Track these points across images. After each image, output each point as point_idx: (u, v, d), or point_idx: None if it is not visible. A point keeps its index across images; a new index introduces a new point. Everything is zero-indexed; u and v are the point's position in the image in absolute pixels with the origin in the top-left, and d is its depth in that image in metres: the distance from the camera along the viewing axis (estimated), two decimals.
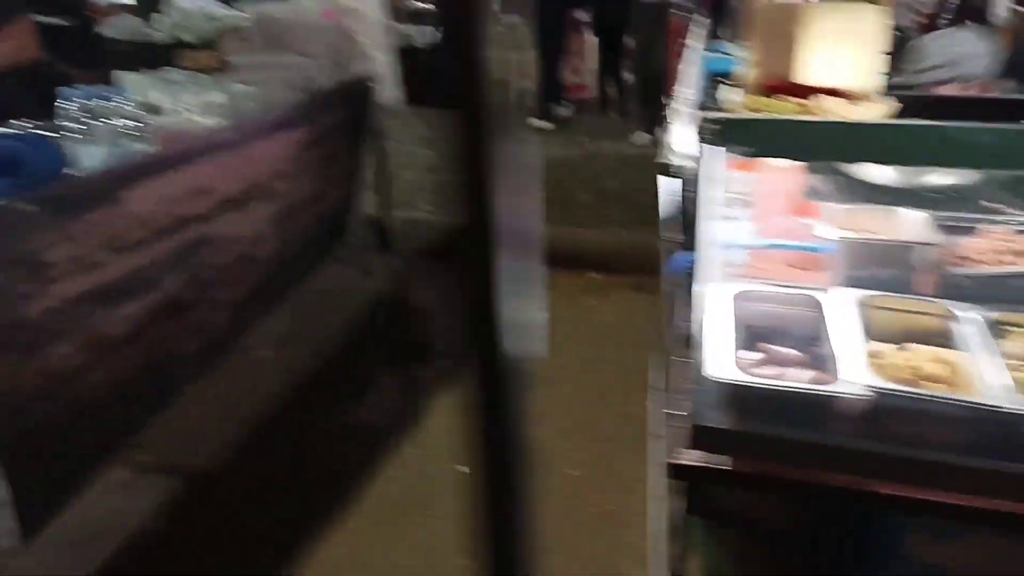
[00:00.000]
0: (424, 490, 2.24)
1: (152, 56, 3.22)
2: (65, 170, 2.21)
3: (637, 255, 3.73)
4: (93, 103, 2.29)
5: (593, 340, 3.09)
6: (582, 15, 5.80)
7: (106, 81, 2.85)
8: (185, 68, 3.02)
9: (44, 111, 2.62)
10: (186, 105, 2.42)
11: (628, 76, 5.68)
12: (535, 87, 5.91)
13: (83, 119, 2.26)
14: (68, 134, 2.23)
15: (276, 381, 2.81)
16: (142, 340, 2.23)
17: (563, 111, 5.96)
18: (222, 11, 3.40)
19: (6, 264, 1.82)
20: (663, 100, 5.11)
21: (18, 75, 2.98)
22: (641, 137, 5.29)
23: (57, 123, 2.29)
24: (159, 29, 3.51)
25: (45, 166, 2.18)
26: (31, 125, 2.30)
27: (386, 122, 3.59)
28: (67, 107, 2.32)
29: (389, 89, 3.43)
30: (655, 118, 5.18)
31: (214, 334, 2.57)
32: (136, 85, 2.49)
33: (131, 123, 2.25)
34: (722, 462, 1.07)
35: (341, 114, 3.19)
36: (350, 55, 3.13)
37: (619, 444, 2.42)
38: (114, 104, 2.27)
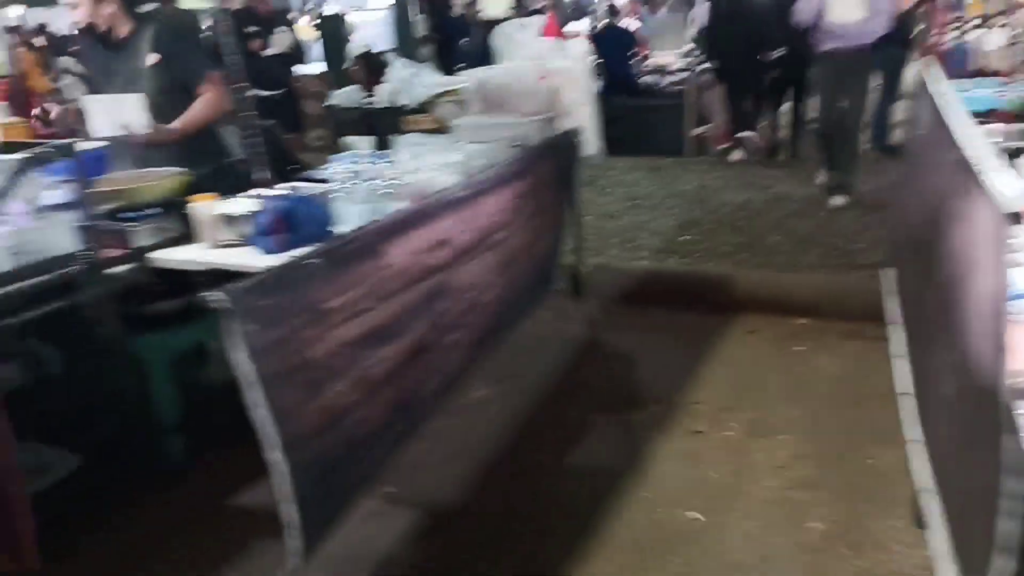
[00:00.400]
0: (658, 537, 2.24)
1: (381, 121, 3.54)
2: (331, 227, 2.46)
3: (843, 300, 3.58)
4: (355, 165, 2.56)
5: (811, 389, 2.98)
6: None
7: (335, 145, 3.16)
8: (408, 131, 3.30)
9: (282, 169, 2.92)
10: (429, 164, 2.64)
11: (804, 119, 5.59)
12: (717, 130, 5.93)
13: (347, 180, 2.52)
14: (334, 193, 2.49)
15: (497, 421, 2.95)
16: (394, 380, 2.42)
17: (740, 154, 5.93)
18: (438, 78, 3.69)
19: (298, 311, 2.05)
20: (852, 142, 4.96)
21: (241, 131, 3.32)
22: (824, 179, 5.13)
23: (325, 184, 2.57)
24: (380, 96, 3.85)
25: (316, 223, 2.44)
26: (302, 187, 2.60)
27: (584, 172, 3.72)
28: (332, 169, 2.60)
29: (591, 142, 3.56)
30: (840, 161, 5.01)
31: (446, 375, 2.74)
32: (384, 147, 2.75)
33: (388, 182, 2.49)
34: None
35: (550, 167, 3.35)
36: (559, 112, 3.30)
37: (864, 498, 2.30)
38: (373, 165, 2.52)
